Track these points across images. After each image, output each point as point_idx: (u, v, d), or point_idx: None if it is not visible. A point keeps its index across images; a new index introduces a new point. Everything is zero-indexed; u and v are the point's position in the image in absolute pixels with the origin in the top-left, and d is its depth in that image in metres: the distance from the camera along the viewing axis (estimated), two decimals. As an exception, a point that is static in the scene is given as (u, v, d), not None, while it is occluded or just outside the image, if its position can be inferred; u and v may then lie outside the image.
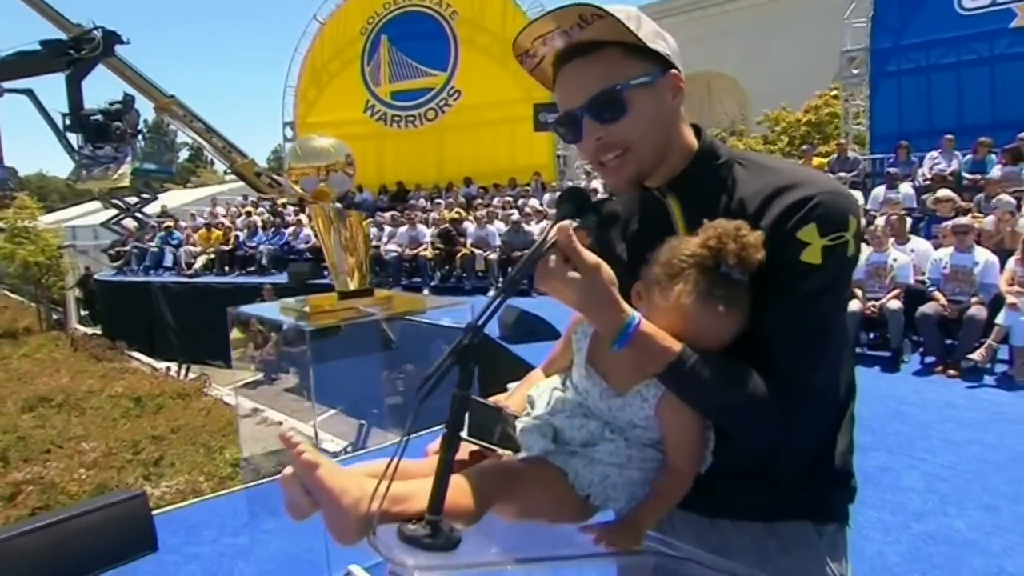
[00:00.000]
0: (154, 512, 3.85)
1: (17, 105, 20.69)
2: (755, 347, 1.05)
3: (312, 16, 21.01)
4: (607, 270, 1.03)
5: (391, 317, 3.04)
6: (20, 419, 9.66)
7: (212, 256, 15.81)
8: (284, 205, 17.90)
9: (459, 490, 0.97)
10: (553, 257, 1.02)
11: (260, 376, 6.64)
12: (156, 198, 22.28)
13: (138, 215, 21.04)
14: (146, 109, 21.56)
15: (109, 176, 20.16)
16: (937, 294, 6.28)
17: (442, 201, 16.16)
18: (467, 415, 0.96)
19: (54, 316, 20.84)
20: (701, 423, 1.10)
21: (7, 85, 19.89)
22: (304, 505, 0.98)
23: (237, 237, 15.85)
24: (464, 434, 0.96)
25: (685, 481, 1.11)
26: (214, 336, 13.27)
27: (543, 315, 7.11)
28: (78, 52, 19.35)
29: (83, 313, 20.16)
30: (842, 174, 11.32)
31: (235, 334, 3.31)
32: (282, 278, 13.49)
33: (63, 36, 19.44)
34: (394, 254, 12.89)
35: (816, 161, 12.24)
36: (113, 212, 21.55)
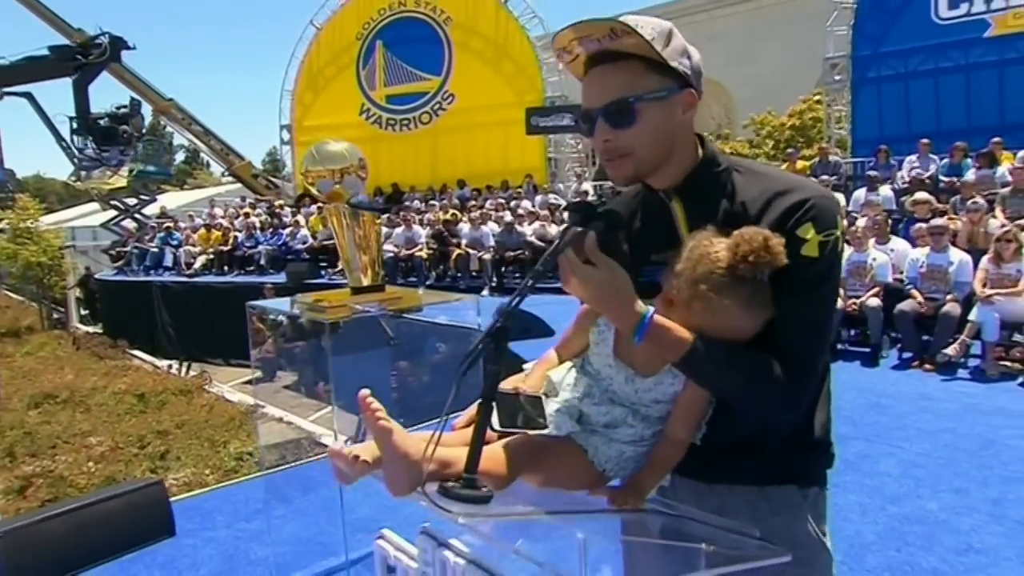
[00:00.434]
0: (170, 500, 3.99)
1: (15, 108, 20.90)
2: (764, 332, 1.17)
3: (309, 21, 21.20)
4: (623, 272, 1.16)
5: (405, 311, 3.18)
6: (27, 415, 9.85)
7: (211, 256, 15.93)
8: (281, 206, 18.05)
9: (495, 460, 1.13)
10: (575, 258, 1.15)
11: (275, 371, 6.74)
12: (155, 199, 22.38)
13: (137, 216, 21.15)
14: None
15: (108, 177, 20.26)
16: (914, 292, 6.47)
17: (436, 203, 16.36)
18: (495, 406, 1.10)
19: (55, 315, 20.96)
20: (707, 397, 1.23)
21: (11, 89, 20.06)
22: (352, 472, 1.13)
23: (236, 237, 15.98)
24: (496, 426, 1.11)
25: (680, 449, 1.24)
26: (213, 334, 13.56)
27: (536, 313, 7.27)
28: (86, 57, 19.61)
29: (83, 312, 20.27)
30: (824, 177, 11.49)
31: (255, 329, 3.42)
32: (280, 278, 13.63)
33: (67, 41, 19.59)
34: (390, 254, 13.07)
35: (800, 164, 12.46)
36: (112, 213, 21.64)
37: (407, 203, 16.95)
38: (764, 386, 1.17)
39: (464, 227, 12.94)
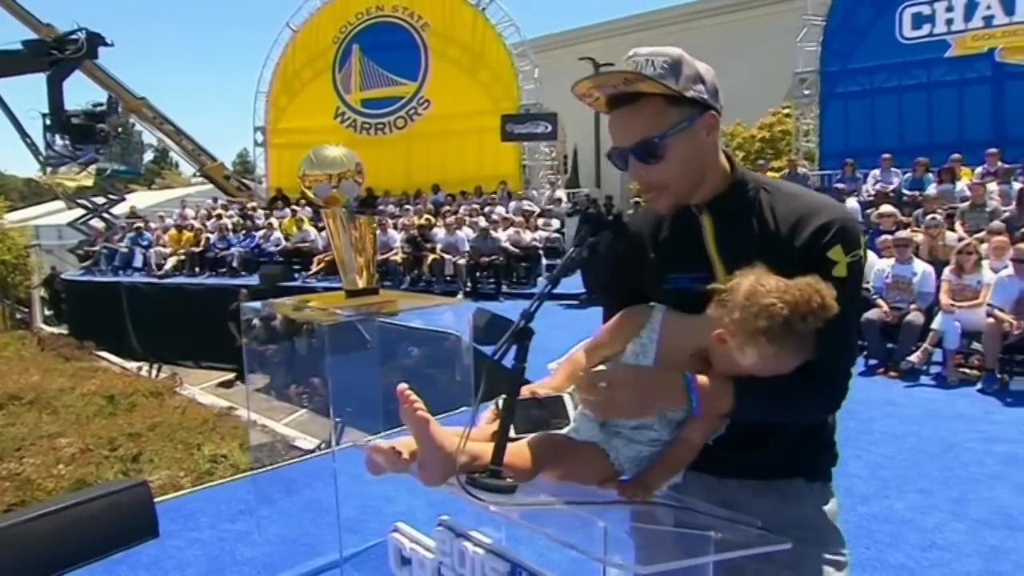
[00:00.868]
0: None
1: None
2: None
3: (285, 24, 21.06)
4: (641, 373, 1.28)
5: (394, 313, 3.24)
6: (-11, 417, 9.54)
7: (183, 257, 15.70)
8: (254, 208, 17.87)
9: (520, 455, 1.21)
10: (600, 400, 1.23)
11: (263, 372, 6.69)
12: (124, 199, 21.99)
13: (106, 215, 20.77)
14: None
15: (76, 174, 19.85)
16: (880, 302, 6.62)
17: (411, 207, 16.38)
18: (516, 414, 1.19)
19: (18, 315, 20.47)
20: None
21: None
22: (384, 465, 1.23)
23: (208, 239, 15.80)
24: (514, 434, 1.19)
25: (694, 452, 1.30)
26: (184, 337, 13.35)
27: (513, 319, 7.33)
28: (61, 53, 19.20)
29: (48, 313, 19.83)
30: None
31: (246, 329, 3.44)
32: (253, 280, 13.52)
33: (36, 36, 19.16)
34: (365, 258, 13.04)
35: (769, 175, 12.74)
36: (78, 212, 21.22)
37: (381, 207, 16.92)
38: (805, 407, 1.32)
39: (439, 232, 12.98)
